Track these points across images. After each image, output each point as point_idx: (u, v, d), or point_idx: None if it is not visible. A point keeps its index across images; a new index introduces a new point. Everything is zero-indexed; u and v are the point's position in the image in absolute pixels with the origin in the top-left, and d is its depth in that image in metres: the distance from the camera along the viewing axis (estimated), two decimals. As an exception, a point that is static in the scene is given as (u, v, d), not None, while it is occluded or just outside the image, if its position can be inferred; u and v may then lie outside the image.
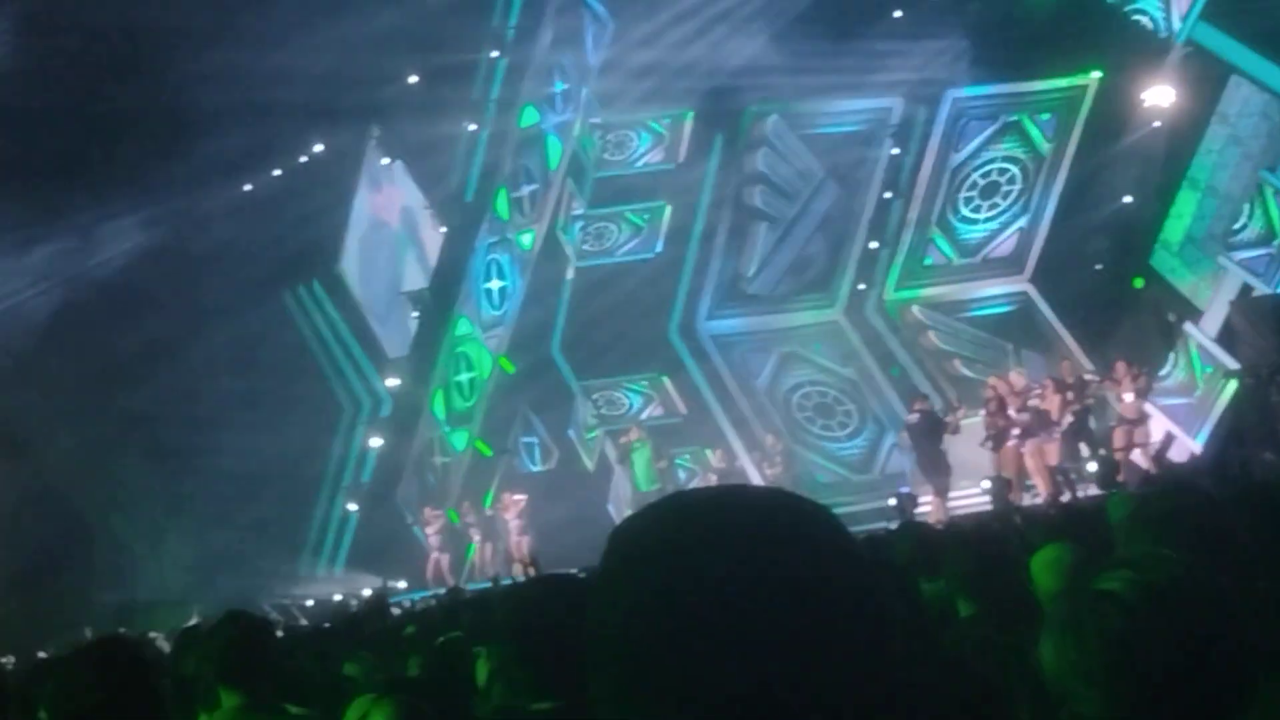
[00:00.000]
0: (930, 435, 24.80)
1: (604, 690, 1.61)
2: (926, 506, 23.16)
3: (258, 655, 5.51)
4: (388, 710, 5.21)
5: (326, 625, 16.89)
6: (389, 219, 35.65)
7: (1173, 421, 26.03)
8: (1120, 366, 24.44)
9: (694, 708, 1.55)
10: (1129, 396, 23.91)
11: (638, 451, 29.03)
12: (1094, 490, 21.00)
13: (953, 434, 25.30)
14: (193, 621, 17.74)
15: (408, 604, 23.65)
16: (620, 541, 1.67)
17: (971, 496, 24.60)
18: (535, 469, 31.83)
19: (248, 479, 30.92)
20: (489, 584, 24.57)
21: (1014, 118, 31.27)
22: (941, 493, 23.77)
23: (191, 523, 31.39)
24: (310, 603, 29.04)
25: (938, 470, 24.36)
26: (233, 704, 5.43)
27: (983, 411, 25.38)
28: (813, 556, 1.60)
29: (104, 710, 4.01)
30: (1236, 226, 26.96)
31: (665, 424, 30.80)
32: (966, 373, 30.57)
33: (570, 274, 31.30)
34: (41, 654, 21.05)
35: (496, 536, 29.96)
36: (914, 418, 25.45)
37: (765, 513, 1.64)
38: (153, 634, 19.75)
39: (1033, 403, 24.23)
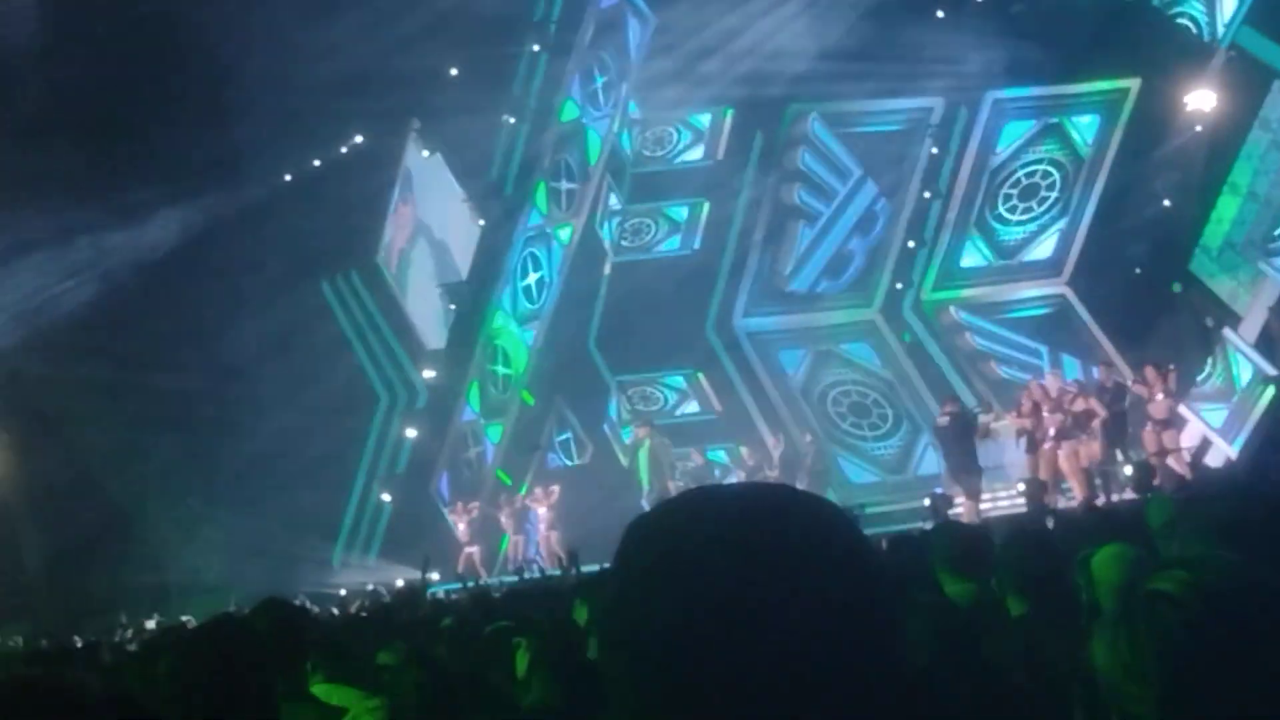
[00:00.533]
0: (960, 438, 24.67)
1: (614, 689, 1.61)
2: (960, 508, 23.05)
3: (294, 644, 5.47)
4: (378, 715, 5.17)
5: (361, 614, 16.89)
6: (427, 212, 35.67)
7: (1209, 427, 25.86)
8: (1149, 371, 24.28)
9: (701, 710, 1.54)
10: (1159, 398, 23.76)
11: (641, 450, 28.95)
12: (1129, 494, 20.86)
13: (982, 437, 25.18)
14: (230, 608, 17.75)
15: (441, 595, 23.66)
16: (633, 540, 1.67)
17: (1007, 498, 24.48)
18: (569, 463, 31.80)
19: (283, 467, 31.00)
20: (515, 578, 24.57)
21: (1055, 120, 31.15)
22: (973, 495, 23.65)
23: (226, 509, 31.46)
24: (343, 592, 29.07)
25: (968, 472, 24.23)
26: (267, 691, 5.37)
27: (1012, 413, 25.29)
28: (824, 560, 1.59)
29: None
30: (1277, 232, 26.77)
31: (700, 420, 30.78)
32: (1002, 375, 30.46)
33: (608, 269, 31.27)
34: (77, 638, 21.11)
35: (532, 529, 29.99)
36: (944, 420, 25.32)
37: (777, 514, 1.63)
38: (185, 618, 19.77)
39: (1068, 406, 24.10)
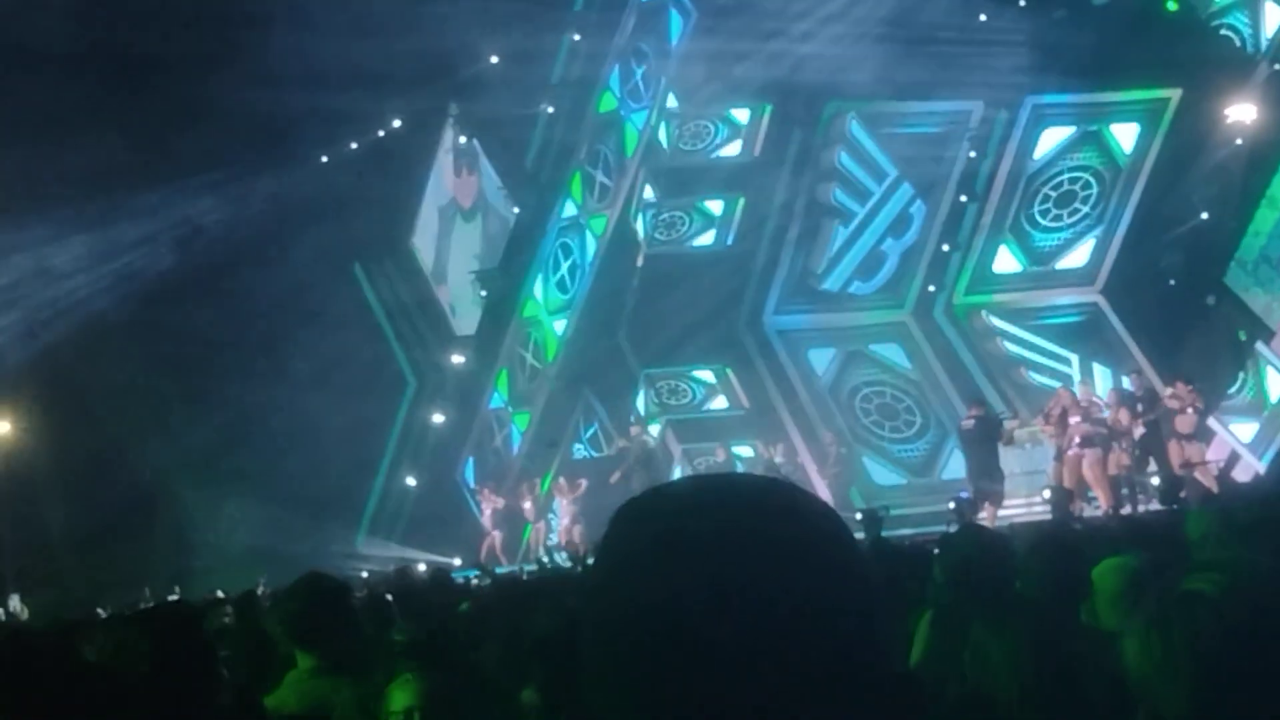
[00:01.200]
0: (984, 442, 24.69)
1: (587, 687, 1.60)
2: (985, 514, 23.05)
3: (334, 619, 5.54)
4: (412, 687, 5.24)
5: (386, 596, 16.97)
6: (463, 197, 35.76)
7: (1238, 441, 25.86)
8: (1180, 386, 24.26)
9: (673, 700, 1.52)
10: (1188, 413, 23.74)
11: (633, 445, 29.14)
12: (1156, 505, 20.86)
13: (1006, 443, 25.18)
14: (260, 588, 17.83)
15: (461, 581, 23.74)
16: (620, 524, 1.65)
17: (1032, 506, 24.49)
18: (595, 455, 31.87)
19: (310, 446, 31.08)
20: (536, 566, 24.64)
21: (1094, 127, 31.12)
22: (995, 500, 23.66)
23: (252, 488, 31.56)
24: (365, 574, 29.19)
25: (990, 477, 24.25)
26: (307, 666, 5.48)
27: (1039, 419, 25.29)
28: (809, 555, 1.58)
29: (157, 675, 3.93)
30: (1315, 248, 26.77)
31: (727, 416, 30.81)
32: (1032, 381, 30.46)
33: (640, 261, 31.29)
34: (100, 612, 21.27)
35: (555, 518, 30.11)
36: (969, 423, 25.33)
37: (766, 506, 1.61)
38: (219, 593, 19.85)
39: (1098, 415, 24.10)
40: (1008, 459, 25.24)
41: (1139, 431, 23.74)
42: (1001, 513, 23.31)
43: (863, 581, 1.59)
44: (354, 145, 34.47)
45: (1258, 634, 2.35)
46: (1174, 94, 29.76)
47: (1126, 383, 26.50)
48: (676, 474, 28.24)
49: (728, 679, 1.50)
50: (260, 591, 15.43)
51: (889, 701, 1.55)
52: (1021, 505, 24.58)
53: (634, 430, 29.47)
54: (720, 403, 31.38)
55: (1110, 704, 4.06)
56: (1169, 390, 24.75)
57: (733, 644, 1.50)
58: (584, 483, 29.33)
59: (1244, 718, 2.35)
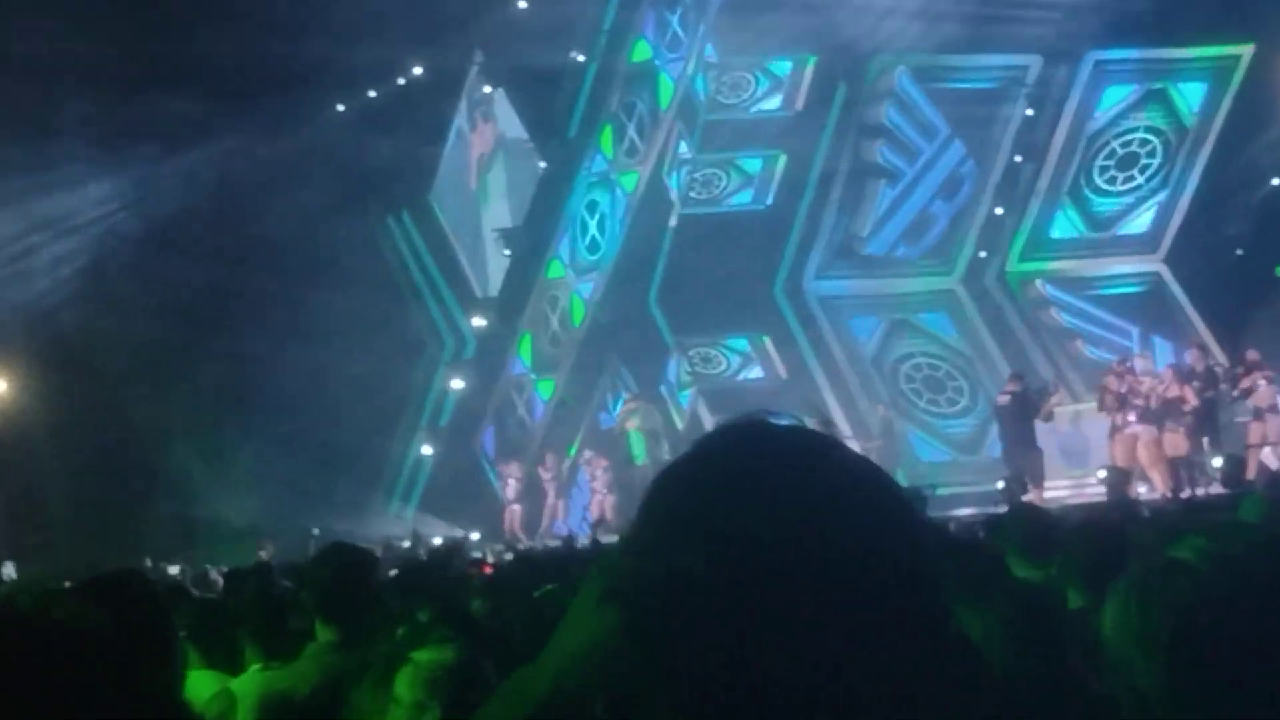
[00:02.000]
0: (1018, 418, 24.80)
1: (635, 655, 1.62)
2: (1032, 494, 23.12)
3: (360, 592, 5.72)
4: (424, 675, 5.25)
5: (395, 571, 17.13)
6: (486, 150, 35.77)
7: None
8: (1252, 356, 24.20)
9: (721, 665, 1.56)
10: (1263, 385, 23.69)
11: (632, 420, 29.30)
12: (1217, 488, 20.90)
13: (1044, 420, 25.24)
14: (265, 557, 18.05)
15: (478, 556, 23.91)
16: (666, 475, 1.68)
17: (1083, 487, 24.58)
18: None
19: (321, 410, 31.20)
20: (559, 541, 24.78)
21: (1159, 85, 31.07)
22: (1036, 479, 23.71)
23: (259, 450, 31.72)
24: (379, 551, 29.30)
25: (1025, 455, 24.37)
26: (328, 639, 5.68)
27: (1095, 397, 25.33)
28: (868, 510, 1.62)
29: (114, 643, 3.87)
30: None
31: (763, 386, 30.82)
32: (1089, 354, 30.47)
33: (673, 221, 31.25)
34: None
35: (579, 493, 30.28)
36: (1004, 399, 25.43)
37: (818, 458, 1.66)
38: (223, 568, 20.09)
39: (1153, 390, 24.12)
40: (1048, 439, 25.33)
41: (1191, 408, 23.65)
42: (1050, 494, 23.41)
43: (915, 537, 1.63)
44: (373, 94, 34.46)
45: (1239, 604, 2.36)
46: (1245, 51, 29.71)
47: (1188, 358, 26.51)
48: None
49: (786, 630, 1.54)
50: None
51: (939, 643, 1.60)
52: (1067, 487, 24.67)
53: (629, 405, 29.65)
54: (756, 372, 31.42)
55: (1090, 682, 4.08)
56: (1227, 363, 24.73)
57: (788, 594, 1.54)
58: (608, 462, 29.53)
59: (1223, 692, 2.37)
